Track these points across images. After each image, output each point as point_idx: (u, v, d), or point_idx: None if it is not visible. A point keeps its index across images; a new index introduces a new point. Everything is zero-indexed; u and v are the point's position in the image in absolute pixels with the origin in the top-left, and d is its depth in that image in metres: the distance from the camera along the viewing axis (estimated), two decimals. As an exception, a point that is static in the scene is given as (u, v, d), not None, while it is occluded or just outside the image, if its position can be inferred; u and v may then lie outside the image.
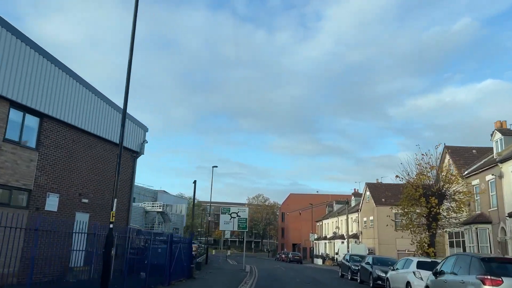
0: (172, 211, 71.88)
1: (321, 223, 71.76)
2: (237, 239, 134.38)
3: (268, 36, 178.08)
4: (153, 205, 62.63)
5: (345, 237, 54.91)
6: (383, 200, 46.15)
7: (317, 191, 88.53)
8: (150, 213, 63.10)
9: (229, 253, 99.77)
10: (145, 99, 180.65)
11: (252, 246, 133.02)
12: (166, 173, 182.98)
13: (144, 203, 63.27)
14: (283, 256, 65.66)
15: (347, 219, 47.32)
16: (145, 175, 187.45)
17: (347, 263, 27.54)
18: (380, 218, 45.51)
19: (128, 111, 13.12)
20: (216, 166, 62.28)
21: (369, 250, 45.87)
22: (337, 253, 51.05)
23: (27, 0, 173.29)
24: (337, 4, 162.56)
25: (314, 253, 69.05)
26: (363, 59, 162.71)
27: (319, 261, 57.08)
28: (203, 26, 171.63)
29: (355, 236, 49.80)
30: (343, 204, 67.26)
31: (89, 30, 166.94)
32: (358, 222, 51.88)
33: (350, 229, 54.80)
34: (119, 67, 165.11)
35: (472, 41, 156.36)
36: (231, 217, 31.96)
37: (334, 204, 69.21)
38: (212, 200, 56.73)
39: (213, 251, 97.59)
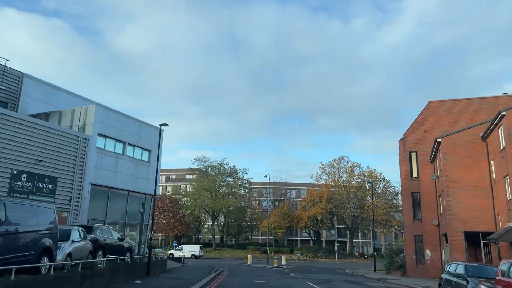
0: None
1: None
2: (310, 238, 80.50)
3: (343, 25, 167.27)
4: None
5: None
6: None
7: (505, 93, 32.75)
8: None
9: (283, 262, 47.21)
10: (218, 104, 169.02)
11: (335, 249, 78.25)
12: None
13: None
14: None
15: None
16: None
17: None
18: None
19: None
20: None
21: None
22: None
23: (103, 14, 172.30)
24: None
25: None
26: (452, 40, 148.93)
27: None
28: (272, 21, 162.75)
29: None
30: None
31: (160, 37, 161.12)
32: None
33: None
34: (191, 72, 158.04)
35: None
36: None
37: None
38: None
39: (249, 257, 45.55)
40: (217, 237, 77.64)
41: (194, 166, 67.35)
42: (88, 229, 17.06)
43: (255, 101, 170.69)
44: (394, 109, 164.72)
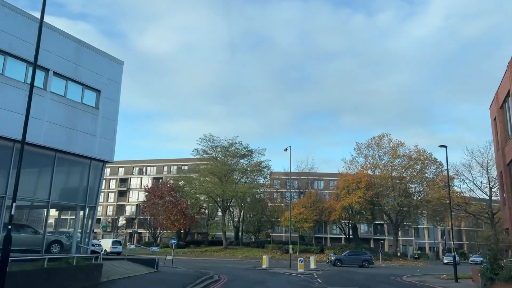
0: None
1: None
2: (343, 234, 67.08)
3: (368, 19, 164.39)
4: None
5: None
6: None
7: None
8: None
9: (311, 266, 34.07)
10: (242, 103, 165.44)
11: (378, 247, 64.98)
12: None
13: None
14: None
15: None
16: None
17: None
18: None
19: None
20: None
21: None
22: None
23: (127, 15, 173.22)
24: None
25: None
26: (483, 32, 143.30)
27: None
28: (295, 17, 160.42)
29: None
30: None
31: (183, 37, 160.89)
32: None
33: None
34: (214, 72, 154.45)
35: None
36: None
37: None
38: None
39: (265, 258, 33.00)
40: (231, 234, 65.21)
41: (200, 147, 55.09)
42: None
43: (279, 100, 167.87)
44: (422, 105, 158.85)
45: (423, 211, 57.91)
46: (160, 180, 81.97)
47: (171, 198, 53.91)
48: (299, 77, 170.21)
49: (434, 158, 58.16)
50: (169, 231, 59.94)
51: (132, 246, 68.71)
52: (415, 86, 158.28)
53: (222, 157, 54.55)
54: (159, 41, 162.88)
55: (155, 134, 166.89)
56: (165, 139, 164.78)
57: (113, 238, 50.77)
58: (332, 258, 40.34)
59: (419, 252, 74.65)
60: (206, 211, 61.14)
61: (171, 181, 61.99)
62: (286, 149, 37.39)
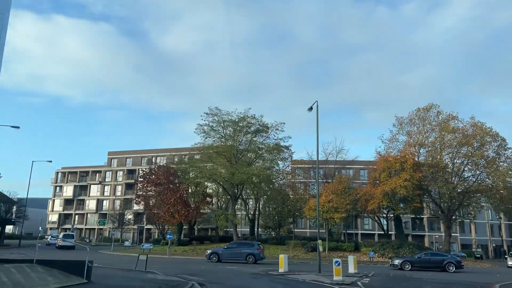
0: None
1: None
2: (382, 229, 56.09)
3: (391, 11, 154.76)
4: None
5: None
6: None
7: None
8: None
9: (351, 270, 23.25)
10: (262, 101, 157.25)
11: (415, 242, 53.69)
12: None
13: None
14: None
15: None
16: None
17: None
18: None
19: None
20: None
21: None
22: None
23: (148, 15, 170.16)
24: None
25: None
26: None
27: None
28: (317, 11, 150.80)
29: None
30: None
31: (203, 35, 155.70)
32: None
33: None
34: (234, 70, 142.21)
35: None
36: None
37: None
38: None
39: (282, 258, 22.41)
40: (246, 230, 55.27)
41: (205, 123, 45.11)
42: None
43: (299, 97, 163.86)
44: (450, 98, 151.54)
45: (484, 198, 46.58)
46: (145, 169, 73.91)
47: (170, 185, 44.37)
48: (321, 73, 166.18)
49: (495, 132, 46.71)
50: (171, 225, 50.52)
51: (127, 244, 60.04)
52: (443, 79, 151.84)
53: (231, 134, 44.39)
54: (179, 40, 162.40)
55: (176, 133, 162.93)
56: (185, 138, 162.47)
57: (68, 232, 52.20)
58: (208, 252, 32.53)
59: (479, 250, 62.96)
60: (216, 201, 51.40)
61: (174, 167, 52.55)
62: (310, 108, 27.27)
